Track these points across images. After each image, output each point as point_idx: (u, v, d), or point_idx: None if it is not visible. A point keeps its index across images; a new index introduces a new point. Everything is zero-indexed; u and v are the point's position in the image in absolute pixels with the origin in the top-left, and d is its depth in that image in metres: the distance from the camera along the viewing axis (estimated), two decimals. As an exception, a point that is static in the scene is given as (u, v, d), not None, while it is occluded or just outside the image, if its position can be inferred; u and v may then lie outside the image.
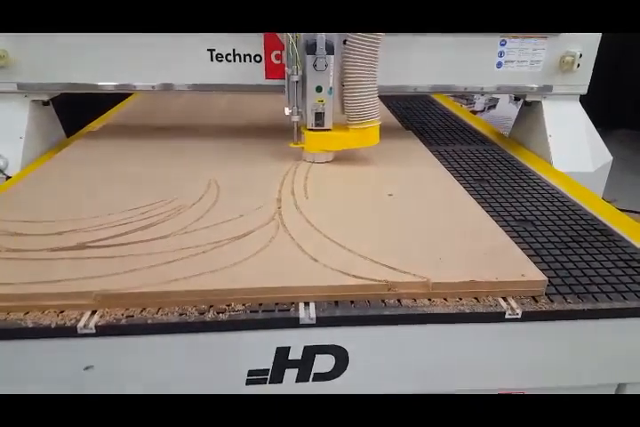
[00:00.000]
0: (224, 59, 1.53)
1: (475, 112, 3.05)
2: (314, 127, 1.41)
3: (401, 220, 1.14)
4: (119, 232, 1.07)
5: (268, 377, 0.93)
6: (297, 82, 1.34)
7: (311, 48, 1.30)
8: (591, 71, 1.67)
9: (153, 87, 1.58)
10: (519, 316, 0.90)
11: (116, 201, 1.21)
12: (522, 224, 1.21)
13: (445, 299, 0.92)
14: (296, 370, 0.93)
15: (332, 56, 1.30)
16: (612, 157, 1.73)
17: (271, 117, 1.91)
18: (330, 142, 1.44)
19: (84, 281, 0.89)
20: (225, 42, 1.52)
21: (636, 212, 2.18)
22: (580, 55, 1.59)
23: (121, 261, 0.96)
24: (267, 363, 0.91)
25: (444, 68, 1.62)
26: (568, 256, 1.08)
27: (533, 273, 0.95)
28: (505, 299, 0.93)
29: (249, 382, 0.93)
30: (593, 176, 1.62)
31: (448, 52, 1.59)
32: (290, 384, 0.93)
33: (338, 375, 0.94)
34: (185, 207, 1.18)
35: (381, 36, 1.29)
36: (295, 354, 0.91)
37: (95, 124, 1.98)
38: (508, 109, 3.13)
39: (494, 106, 3.30)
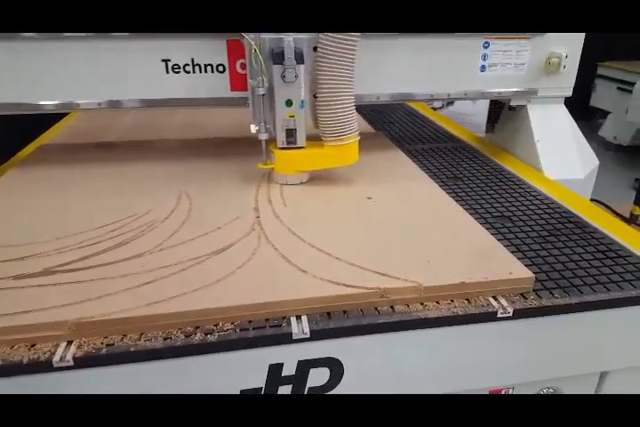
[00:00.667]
0: (181, 70, 1.34)
1: (434, 108, 3.08)
2: (285, 146, 1.27)
3: (384, 223, 1.12)
4: (88, 253, 1.00)
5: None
6: (263, 95, 1.20)
7: (278, 57, 1.16)
8: (576, 72, 1.59)
9: (99, 105, 1.36)
10: (510, 314, 0.90)
11: (79, 220, 1.13)
12: (500, 221, 1.22)
13: (438, 302, 0.91)
14: (290, 386, 0.89)
15: (302, 66, 1.17)
16: (598, 161, 1.67)
17: (234, 129, 1.82)
18: (303, 162, 1.30)
19: (56, 310, 0.83)
20: (181, 51, 1.32)
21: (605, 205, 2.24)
22: (566, 56, 1.52)
23: (94, 285, 0.89)
24: (259, 381, 0.88)
25: (425, 74, 1.48)
26: (548, 250, 1.09)
27: (520, 270, 0.95)
28: (495, 298, 0.92)
29: (241, 403, 0.88)
30: (583, 182, 1.55)
31: (429, 56, 1.46)
32: (283, 401, 0.90)
33: (333, 388, 0.91)
34: (157, 222, 1.12)
35: (357, 38, 1.16)
36: (289, 370, 0.87)
37: (37, 144, 1.81)
38: (465, 107, 3.18)
39: (452, 102, 3.35)
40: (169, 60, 1.32)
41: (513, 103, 1.64)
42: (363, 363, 0.91)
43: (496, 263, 0.97)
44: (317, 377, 0.89)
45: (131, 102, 1.38)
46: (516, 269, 0.95)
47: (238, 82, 1.37)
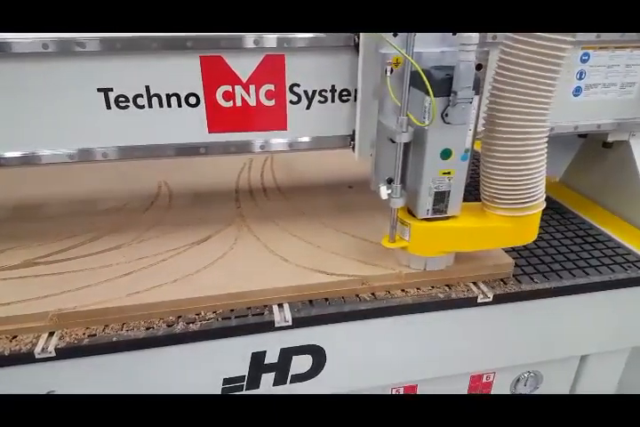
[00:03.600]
0: (131, 104, 0.88)
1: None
2: (430, 216, 0.86)
3: (364, 213, 1.12)
4: (67, 246, 0.99)
5: (245, 384, 0.90)
6: (406, 144, 0.80)
7: (443, 84, 0.74)
8: None
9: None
10: (490, 299, 0.91)
11: (55, 212, 1.12)
12: (480, 207, 1.22)
13: (418, 288, 0.92)
14: (273, 374, 0.90)
15: (476, 97, 0.77)
16: None
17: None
18: (454, 239, 0.87)
19: (37, 301, 0.83)
20: (129, 74, 0.86)
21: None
22: None
23: (74, 276, 0.89)
24: (242, 370, 0.88)
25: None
26: (528, 236, 1.10)
27: (500, 256, 0.96)
28: (475, 284, 0.94)
29: (224, 391, 0.89)
30: None
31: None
32: (267, 389, 0.91)
33: (316, 374, 0.92)
34: (137, 213, 1.11)
35: (570, 44, 0.75)
36: (271, 358, 0.88)
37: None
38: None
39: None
40: (110, 90, 0.87)
41: (611, 138, 1.19)
42: (344, 350, 0.91)
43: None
44: (300, 364, 0.90)
45: (47, 157, 0.90)
46: (496, 255, 0.96)
47: (220, 119, 0.92)
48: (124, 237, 1.02)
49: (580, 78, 1.06)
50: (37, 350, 0.77)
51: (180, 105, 0.91)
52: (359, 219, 1.10)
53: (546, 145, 0.82)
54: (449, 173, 0.81)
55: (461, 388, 1.07)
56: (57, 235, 1.03)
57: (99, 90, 0.87)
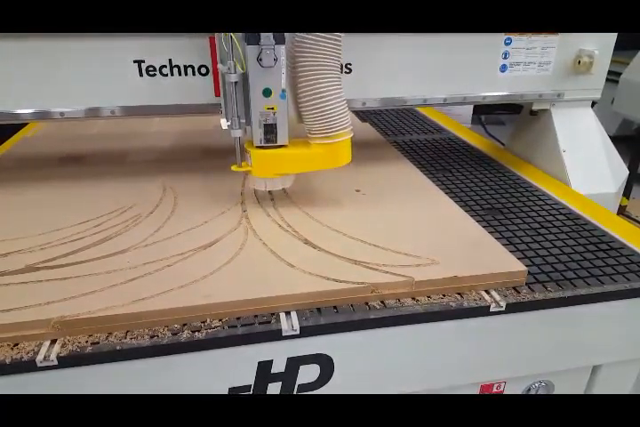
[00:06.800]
0: (157, 72, 1.15)
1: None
2: (263, 144, 1.05)
3: (373, 217, 1.11)
4: (71, 249, 0.97)
5: (251, 393, 0.87)
6: (235, 83, 0.98)
7: (253, 35, 0.95)
8: (606, 72, 1.42)
9: (62, 115, 1.17)
10: (503, 308, 0.89)
11: (60, 215, 1.10)
12: (490, 213, 1.20)
13: (429, 297, 0.89)
14: (279, 383, 0.88)
15: (282, 46, 0.96)
16: (628, 171, 1.51)
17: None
18: (285, 163, 1.09)
19: (39, 308, 0.81)
20: (157, 50, 1.14)
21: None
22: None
23: (78, 282, 0.87)
24: (248, 379, 0.86)
25: (438, 76, 1.32)
26: (540, 243, 1.08)
27: (513, 264, 0.94)
28: (487, 292, 0.91)
29: (230, 401, 0.87)
30: (614, 196, 1.40)
31: (442, 55, 1.29)
32: (273, 398, 0.89)
33: (323, 385, 0.90)
34: (141, 217, 1.09)
35: (340, 40, 1.00)
36: (278, 367, 0.86)
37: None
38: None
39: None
40: (142, 62, 1.15)
41: (535, 107, 1.46)
42: (353, 359, 0.89)
43: (488, 257, 0.96)
44: (307, 374, 0.88)
45: (103, 110, 1.18)
46: (509, 263, 0.94)
47: None
48: (128, 242, 1.00)
49: (505, 58, 1.34)
50: (39, 358, 0.75)
51: (194, 74, 1.18)
52: (368, 224, 1.08)
53: (340, 91, 1.04)
54: (272, 108, 1.01)
55: (471, 398, 1.05)
56: (60, 239, 1.01)
57: (134, 61, 1.15)
